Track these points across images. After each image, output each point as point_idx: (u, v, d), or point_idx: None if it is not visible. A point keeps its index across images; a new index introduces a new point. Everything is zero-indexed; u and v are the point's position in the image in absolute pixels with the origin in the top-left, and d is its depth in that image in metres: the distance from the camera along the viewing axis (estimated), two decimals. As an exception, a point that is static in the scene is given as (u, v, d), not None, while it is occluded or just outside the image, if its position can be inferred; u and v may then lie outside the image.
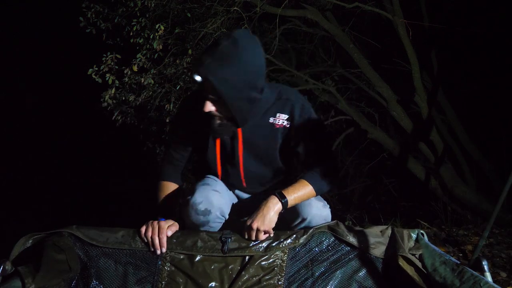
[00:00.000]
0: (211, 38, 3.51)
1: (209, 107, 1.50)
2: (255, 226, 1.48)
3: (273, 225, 1.51)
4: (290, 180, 1.73)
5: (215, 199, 1.59)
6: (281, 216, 1.61)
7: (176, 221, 1.60)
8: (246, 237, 1.52)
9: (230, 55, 1.40)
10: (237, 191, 1.86)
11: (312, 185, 1.58)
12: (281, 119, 1.64)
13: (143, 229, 1.54)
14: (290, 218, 1.65)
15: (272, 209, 1.50)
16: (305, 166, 1.66)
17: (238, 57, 1.41)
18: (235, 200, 1.85)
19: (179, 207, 1.69)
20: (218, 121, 1.55)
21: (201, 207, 1.57)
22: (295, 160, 1.77)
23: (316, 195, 1.61)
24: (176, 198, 1.75)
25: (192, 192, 1.62)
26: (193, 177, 2.10)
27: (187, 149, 1.77)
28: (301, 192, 1.55)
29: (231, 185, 1.82)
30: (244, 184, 1.77)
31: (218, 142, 1.67)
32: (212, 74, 1.39)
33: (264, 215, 1.48)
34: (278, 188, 1.61)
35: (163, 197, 1.73)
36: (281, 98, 1.64)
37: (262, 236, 1.50)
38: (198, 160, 1.83)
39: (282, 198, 1.51)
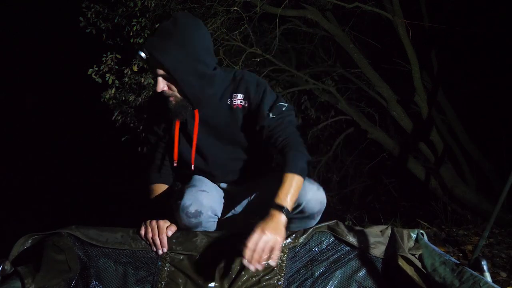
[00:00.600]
0: (211, 38, 3.51)
1: (161, 86, 1.50)
2: (265, 250, 1.31)
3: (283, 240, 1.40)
4: (264, 164, 1.76)
5: (205, 200, 1.57)
6: (268, 198, 1.61)
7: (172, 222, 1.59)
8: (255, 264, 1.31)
9: (172, 31, 1.45)
10: (222, 185, 1.82)
11: (296, 173, 1.46)
12: (238, 99, 1.62)
13: (142, 230, 1.54)
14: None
15: (280, 227, 1.36)
16: (273, 143, 1.59)
17: (181, 32, 1.46)
18: (223, 195, 1.81)
19: (171, 211, 1.65)
20: (173, 102, 1.54)
21: (191, 209, 1.55)
22: (261, 138, 1.66)
23: (304, 178, 1.50)
24: (169, 198, 1.72)
25: (180, 195, 1.60)
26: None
27: (163, 147, 1.75)
28: (292, 188, 1.44)
29: (211, 178, 1.78)
30: (213, 173, 1.74)
31: (177, 126, 1.65)
32: (155, 49, 1.43)
33: (274, 236, 1.33)
34: (253, 174, 1.63)
35: (156, 200, 1.71)
36: (235, 78, 1.64)
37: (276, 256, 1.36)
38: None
39: (281, 208, 1.39)
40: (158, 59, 1.43)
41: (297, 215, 1.64)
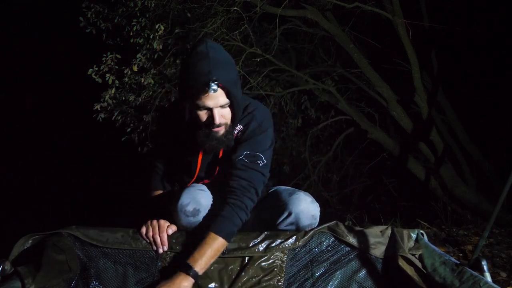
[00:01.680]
0: (211, 38, 3.51)
1: (220, 118, 1.46)
2: None
3: None
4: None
5: (203, 199, 1.57)
6: (266, 209, 1.63)
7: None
8: None
9: (221, 58, 1.44)
10: None
11: (221, 236, 1.45)
12: (237, 129, 1.60)
13: (143, 229, 1.54)
14: (276, 212, 1.62)
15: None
16: (227, 182, 1.55)
17: (226, 58, 1.47)
18: None
19: (169, 213, 1.63)
20: (220, 132, 1.50)
21: (190, 207, 1.54)
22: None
23: (228, 242, 1.49)
24: (170, 200, 1.69)
25: (178, 196, 1.58)
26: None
27: (170, 161, 1.76)
28: (211, 251, 1.42)
29: None
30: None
31: (200, 155, 1.63)
32: (226, 80, 1.40)
33: None
34: None
35: (156, 200, 1.73)
36: (247, 109, 1.60)
37: None
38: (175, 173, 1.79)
39: (189, 270, 1.38)
40: (228, 89, 1.42)
41: (286, 226, 1.62)
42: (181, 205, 1.55)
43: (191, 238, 1.56)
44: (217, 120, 1.45)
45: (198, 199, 1.56)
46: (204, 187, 1.65)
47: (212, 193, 1.64)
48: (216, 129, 1.49)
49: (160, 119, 1.77)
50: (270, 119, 1.65)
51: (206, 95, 1.39)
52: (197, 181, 1.70)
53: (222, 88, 1.41)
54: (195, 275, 1.39)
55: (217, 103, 1.43)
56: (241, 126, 1.59)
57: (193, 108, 1.47)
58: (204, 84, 1.37)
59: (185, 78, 1.44)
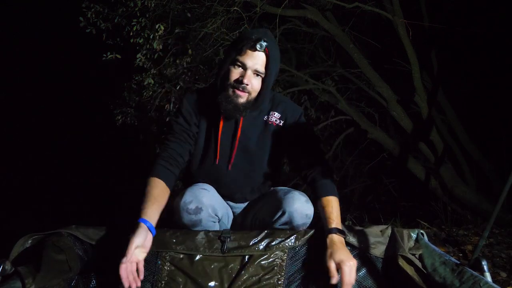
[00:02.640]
0: (211, 38, 3.51)
1: (251, 79, 1.54)
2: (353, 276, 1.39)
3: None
4: (272, 183, 1.78)
5: (205, 198, 1.58)
6: (263, 208, 1.67)
7: (158, 226, 1.49)
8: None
9: (276, 45, 1.59)
10: (228, 202, 1.83)
11: (336, 196, 1.58)
12: (274, 117, 1.69)
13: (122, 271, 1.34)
14: (271, 210, 1.64)
15: (348, 251, 1.46)
16: (303, 165, 1.66)
17: (278, 49, 1.60)
18: (228, 208, 1.82)
19: (167, 214, 1.61)
20: (243, 99, 1.57)
21: (192, 206, 1.56)
22: (284, 157, 1.82)
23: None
24: (163, 202, 1.55)
25: (181, 194, 1.60)
26: (181, 182, 2.01)
27: (189, 143, 1.68)
28: (338, 210, 1.55)
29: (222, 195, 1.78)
30: (225, 186, 1.75)
31: (221, 126, 1.68)
32: (272, 50, 1.52)
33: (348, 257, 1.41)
34: (259, 190, 1.72)
35: (151, 197, 1.53)
36: (275, 99, 1.72)
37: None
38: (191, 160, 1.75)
39: (342, 233, 1.50)
40: (270, 59, 1.53)
41: (281, 226, 1.63)
42: (184, 203, 1.56)
43: (191, 237, 1.57)
44: (246, 80, 1.52)
45: (200, 198, 1.57)
46: (208, 186, 1.67)
47: (232, 182, 1.73)
48: (239, 92, 1.55)
49: (188, 99, 1.73)
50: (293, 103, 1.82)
51: (250, 51, 1.50)
52: (219, 167, 1.72)
53: (267, 57, 1.52)
54: (344, 233, 1.50)
55: (254, 65, 1.53)
56: (279, 114, 1.69)
57: (230, 63, 1.55)
58: (256, 39, 1.48)
59: (236, 39, 1.56)
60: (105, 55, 3.59)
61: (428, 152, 3.84)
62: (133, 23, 3.59)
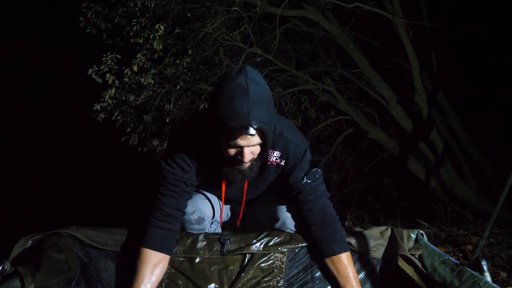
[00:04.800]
0: (211, 38, 3.51)
1: (250, 155, 1.38)
2: None
3: None
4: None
5: (206, 208, 1.63)
6: (261, 210, 1.67)
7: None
8: None
9: (261, 94, 1.30)
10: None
11: (348, 251, 1.52)
12: (274, 156, 1.53)
13: None
14: (267, 215, 1.67)
15: None
16: (307, 208, 1.55)
17: (265, 92, 1.33)
18: (228, 207, 1.84)
19: None
20: (245, 166, 1.42)
21: (194, 216, 1.60)
22: (287, 196, 1.63)
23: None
24: (160, 276, 1.46)
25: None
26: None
27: (186, 191, 1.53)
28: (354, 268, 1.51)
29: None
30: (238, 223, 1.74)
31: (224, 186, 1.57)
32: (263, 122, 1.28)
33: None
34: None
35: (144, 277, 1.42)
36: (275, 132, 1.48)
37: None
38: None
39: None
40: (264, 131, 1.30)
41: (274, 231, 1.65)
42: (186, 213, 1.58)
43: (191, 240, 1.57)
44: (246, 159, 1.36)
45: (202, 209, 1.62)
46: (209, 194, 1.69)
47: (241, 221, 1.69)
48: (241, 165, 1.41)
49: (178, 142, 1.53)
50: (297, 129, 1.62)
51: (240, 136, 1.30)
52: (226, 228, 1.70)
53: (258, 130, 1.30)
54: None
55: (250, 143, 1.34)
56: (279, 152, 1.52)
57: (222, 143, 1.36)
58: (242, 126, 1.25)
59: (218, 112, 1.27)
60: (105, 55, 3.59)
61: (428, 152, 3.84)
62: (133, 23, 3.58)
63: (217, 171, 1.49)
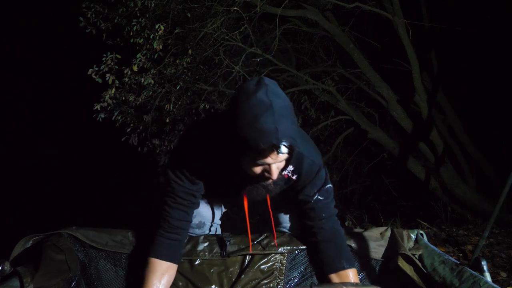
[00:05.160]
0: (211, 38, 3.51)
1: (277, 171, 1.29)
2: None
3: None
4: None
5: (208, 212, 1.63)
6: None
7: None
8: None
9: (283, 106, 1.21)
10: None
11: (354, 267, 1.51)
12: (287, 170, 1.44)
13: None
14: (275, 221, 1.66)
15: None
16: (318, 225, 1.52)
17: (286, 103, 1.24)
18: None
19: None
20: (269, 181, 1.34)
21: (195, 221, 1.60)
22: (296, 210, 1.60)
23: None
24: (168, 284, 1.47)
25: None
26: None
27: (194, 203, 1.49)
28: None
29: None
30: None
31: (245, 201, 1.50)
32: (292, 138, 1.18)
33: None
34: None
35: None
36: None
37: None
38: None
39: None
40: (293, 146, 1.20)
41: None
42: None
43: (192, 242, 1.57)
44: (275, 175, 1.28)
45: (203, 214, 1.62)
46: (208, 199, 1.66)
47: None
48: (266, 182, 1.35)
49: (187, 152, 1.45)
50: (312, 143, 1.56)
51: (271, 156, 1.21)
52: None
53: (289, 148, 1.21)
54: None
55: (278, 160, 1.26)
56: (292, 167, 1.44)
57: (246, 162, 1.28)
58: (272, 146, 1.15)
59: (242, 132, 1.16)
60: (105, 55, 3.59)
61: (428, 152, 3.84)
62: (133, 23, 3.58)
63: (230, 182, 1.44)
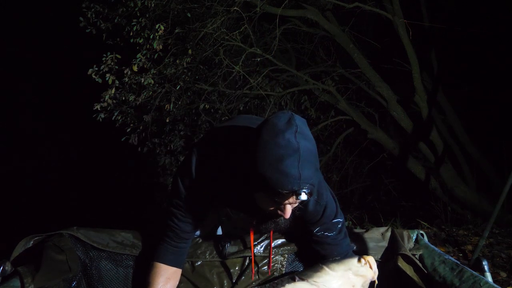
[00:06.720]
0: (211, 38, 3.51)
1: (291, 211, 1.26)
2: None
3: None
4: None
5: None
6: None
7: None
8: None
9: (309, 150, 1.17)
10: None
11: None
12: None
13: None
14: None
15: None
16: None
17: (313, 147, 1.20)
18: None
19: None
20: (282, 219, 1.32)
21: None
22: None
23: None
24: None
25: None
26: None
27: (199, 219, 1.47)
28: None
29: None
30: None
31: (252, 245, 1.54)
32: (313, 185, 1.17)
33: None
34: None
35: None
36: None
37: None
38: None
39: None
40: (313, 192, 1.19)
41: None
42: None
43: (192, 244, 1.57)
44: (288, 215, 1.25)
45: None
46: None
47: None
48: (279, 218, 1.32)
49: (199, 167, 1.41)
50: (328, 188, 1.51)
51: (288, 199, 1.19)
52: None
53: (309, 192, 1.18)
54: None
55: (294, 203, 1.24)
56: (298, 205, 1.35)
57: (261, 197, 1.24)
58: (292, 192, 1.13)
59: (264, 169, 1.13)
60: (105, 55, 3.59)
61: (428, 152, 3.84)
62: (133, 23, 3.58)
63: (240, 208, 1.45)
